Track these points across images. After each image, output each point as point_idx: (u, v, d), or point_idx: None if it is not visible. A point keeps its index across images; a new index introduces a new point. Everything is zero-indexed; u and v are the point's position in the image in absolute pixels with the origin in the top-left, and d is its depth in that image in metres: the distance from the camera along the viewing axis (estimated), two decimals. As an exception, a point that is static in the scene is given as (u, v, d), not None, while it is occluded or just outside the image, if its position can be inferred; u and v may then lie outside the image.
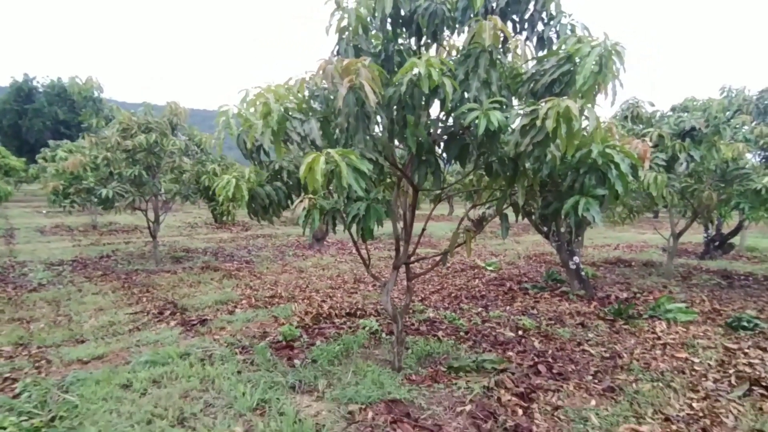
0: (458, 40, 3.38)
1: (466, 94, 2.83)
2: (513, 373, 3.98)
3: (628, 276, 8.44)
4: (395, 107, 2.58)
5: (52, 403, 3.31)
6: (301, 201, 3.16)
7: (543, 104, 2.34)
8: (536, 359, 4.37)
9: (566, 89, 2.63)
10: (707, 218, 9.38)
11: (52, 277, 7.72)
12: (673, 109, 8.10)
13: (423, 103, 2.61)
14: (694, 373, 4.07)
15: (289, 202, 3.83)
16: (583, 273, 7.07)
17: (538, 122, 2.31)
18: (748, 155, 7.56)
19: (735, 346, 4.67)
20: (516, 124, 2.61)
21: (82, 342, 4.81)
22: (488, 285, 7.69)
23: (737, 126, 7.36)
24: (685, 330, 5.20)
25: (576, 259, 6.97)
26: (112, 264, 9.26)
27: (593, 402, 3.52)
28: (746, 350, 4.58)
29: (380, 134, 2.90)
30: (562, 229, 6.88)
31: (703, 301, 6.50)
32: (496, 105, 2.55)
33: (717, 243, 10.69)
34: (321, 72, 2.48)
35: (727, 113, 7.90)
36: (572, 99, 2.35)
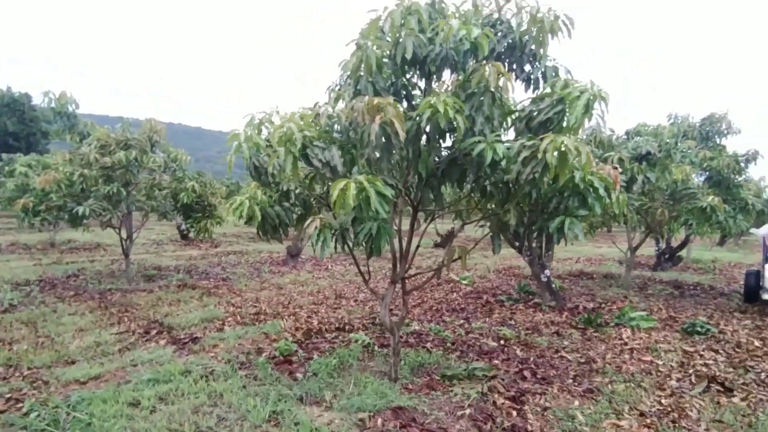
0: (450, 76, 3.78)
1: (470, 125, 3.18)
2: (502, 379, 4.31)
3: (592, 288, 9.06)
4: (412, 139, 2.88)
5: (63, 421, 3.32)
6: (313, 221, 3.38)
7: (542, 140, 2.71)
8: (520, 366, 4.72)
9: (557, 126, 3.03)
10: (659, 233, 10.24)
11: (21, 298, 7.44)
12: (627, 134, 8.87)
13: (437, 135, 2.94)
14: (659, 373, 4.55)
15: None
16: (553, 285, 7.58)
17: (539, 155, 2.68)
18: (694, 176, 8.40)
19: (692, 349, 5.22)
20: (514, 154, 2.97)
21: (73, 363, 4.75)
22: (466, 298, 8.07)
23: (684, 150, 8.17)
24: (647, 336, 5.73)
25: (547, 272, 7.47)
26: (82, 283, 8.98)
27: (576, 402, 3.89)
28: (702, 352, 5.14)
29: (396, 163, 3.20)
30: (534, 245, 7.37)
31: (660, 309, 7.14)
32: (499, 138, 2.92)
33: (667, 256, 11.61)
34: (350, 108, 2.75)
35: (674, 138, 8.73)
36: (564, 135, 2.74)
